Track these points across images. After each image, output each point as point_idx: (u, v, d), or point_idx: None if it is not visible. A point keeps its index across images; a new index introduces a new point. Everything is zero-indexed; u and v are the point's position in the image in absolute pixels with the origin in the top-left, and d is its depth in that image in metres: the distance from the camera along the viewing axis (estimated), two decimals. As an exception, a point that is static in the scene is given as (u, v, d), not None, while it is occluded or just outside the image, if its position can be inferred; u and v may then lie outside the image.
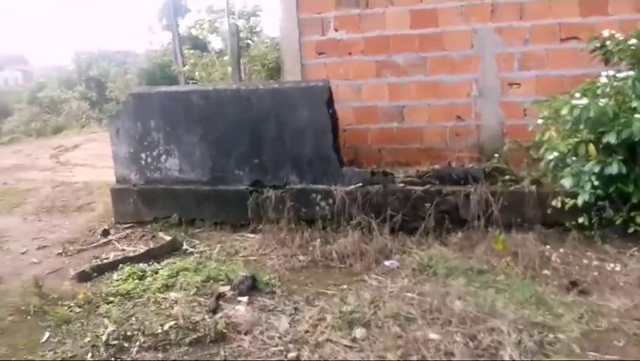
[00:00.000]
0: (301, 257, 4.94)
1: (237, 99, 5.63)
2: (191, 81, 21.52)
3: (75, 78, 35.34)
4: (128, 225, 6.03)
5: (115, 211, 6.11)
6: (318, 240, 5.12)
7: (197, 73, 12.46)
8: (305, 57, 6.39)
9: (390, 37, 6.16)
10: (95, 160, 11.77)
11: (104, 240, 5.65)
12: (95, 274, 4.63)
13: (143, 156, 5.99)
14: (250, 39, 10.98)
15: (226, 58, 11.97)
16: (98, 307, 4.03)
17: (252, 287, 4.22)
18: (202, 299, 4.10)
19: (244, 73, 11.60)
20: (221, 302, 4.05)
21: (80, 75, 35.81)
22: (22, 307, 4.03)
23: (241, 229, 5.70)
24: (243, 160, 5.74)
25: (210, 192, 5.82)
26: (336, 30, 6.30)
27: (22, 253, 5.34)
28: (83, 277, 4.61)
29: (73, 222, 6.22)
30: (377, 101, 6.33)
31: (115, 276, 4.61)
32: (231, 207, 5.77)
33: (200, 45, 25.10)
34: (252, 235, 5.57)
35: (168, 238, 5.55)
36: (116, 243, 5.56)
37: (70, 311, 3.97)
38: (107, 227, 6.00)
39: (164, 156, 5.94)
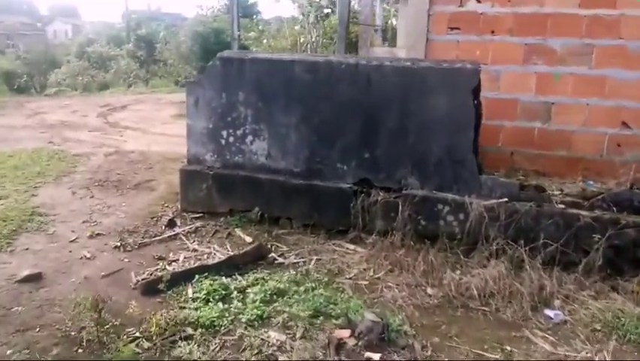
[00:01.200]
0: (429, 290, 3.73)
1: (353, 76, 4.39)
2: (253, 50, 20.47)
3: (124, 36, 34.72)
4: (197, 215, 4.90)
5: (182, 196, 4.99)
6: (448, 268, 3.91)
7: (264, 41, 11.27)
8: (433, 31, 5.07)
9: (549, 16, 4.79)
10: (145, 124, 10.76)
11: (170, 232, 4.54)
12: (165, 286, 3.50)
13: (225, 134, 4.83)
14: (330, 8, 9.65)
15: (297, 27, 10.75)
16: (173, 343, 2.90)
17: (381, 337, 3.04)
18: (314, 346, 2.94)
19: (317, 46, 10.36)
20: (343, 358, 2.88)
21: (129, 34, 35.16)
22: (73, 334, 2.92)
23: (338, 237, 4.53)
24: (350, 152, 4.53)
25: (303, 187, 4.64)
26: (478, 1, 4.96)
27: (71, 242, 4.25)
28: (149, 289, 3.50)
29: (130, 204, 5.12)
30: (518, 94, 4.99)
31: (190, 291, 3.49)
32: (328, 208, 4.59)
33: (248, 13, 23.72)
34: (352, 247, 4.39)
35: (248, 240, 4.42)
36: (184, 238, 4.44)
37: (137, 346, 2.85)
38: (172, 215, 4.89)
39: (250, 137, 4.76)
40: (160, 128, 10.34)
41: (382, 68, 4.33)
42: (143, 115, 12.38)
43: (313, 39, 10.03)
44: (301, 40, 10.45)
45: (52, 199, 5.14)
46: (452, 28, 5.08)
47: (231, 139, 4.82)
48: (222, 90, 4.74)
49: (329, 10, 9.65)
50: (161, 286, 3.47)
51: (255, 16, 23.21)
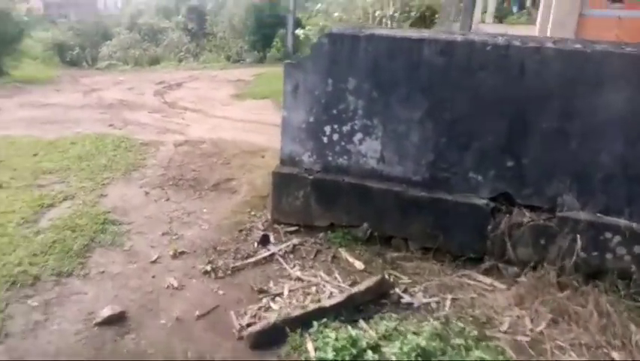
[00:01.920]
0: (615, 355, 2.82)
1: (502, 61, 3.43)
2: (308, 27, 19.43)
3: (173, 7, 34.13)
4: (291, 228, 4.10)
5: (274, 205, 4.18)
6: (631, 323, 2.99)
7: (335, 14, 10.27)
8: (588, 4, 4.03)
9: None
10: (204, 105, 10.04)
11: (264, 252, 3.76)
12: (276, 337, 2.73)
13: (328, 130, 3.97)
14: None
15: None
16: None
17: None
18: None
19: (395, 21, 9.33)
20: None
21: (178, 4, 34.54)
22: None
23: (468, 266, 3.65)
24: (488, 158, 3.61)
25: (425, 200, 3.75)
26: (655, -36, 3.89)
27: (153, 262, 3.52)
28: (260, 340, 2.73)
29: (212, 211, 4.36)
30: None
31: (310, 347, 2.69)
32: (456, 228, 3.70)
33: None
34: (489, 281, 3.51)
35: (359, 265, 3.62)
36: (281, 260, 3.65)
37: None
38: (262, 227, 4.11)
39: (359, 135, 3.89)
40: (221, 110, 9.60)
41: (542, 52, 3.34)
42: (200, 94, 11.67)
43: (390, 13, 9.01)
44: (376, 14, 9.44)
45: (123, 201, 4.43)
46: (614, 1, 4.01)
47: (335, 137, 3.96)
48: (329, 75, 3.86)
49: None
50: (273, 336, 2.70)
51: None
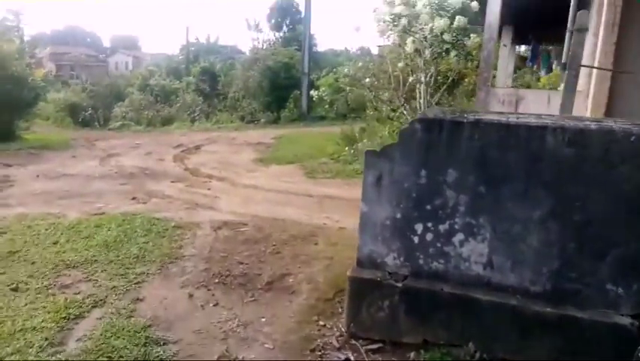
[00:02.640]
0: None
1: (652, 151, 2.76)
2: (323, 89, 19.17)
3: (182, 69, 34.41)
4: (374, 345, 3.31)
5: (352, 315, 3.40)
6: None
7: (367, 79, 9.80)
8: None
9: None
10: (228, 172, 9.42)
11: (350, 383, 2.95)
12: None
13: (420, 228, 3.25)
14: (457, 42, 8.07)
15: (400, 64, 9.24)
16: None
17: None
18: None
19: (429, 87, 8.83)
20: None
21: (188, 66, 34.87)
22: None
23: (609, 401, 2.84)
24: (631, 267, 2.87)
25: (550, 317, 2.98)
26: None
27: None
28: None
29: (272, 320, 3.57)
30: None
31: None
32: (591, 353, 2.92)
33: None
34: None
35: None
36: (372, 394, 2.84)
37: None
38: (337, 343, 3.32)
39: (459, 235, 3.17)
40: (247, 177, 8.96)
41: None
42: (221, 158, 11.11)
43: (426, 79, 8.51)
44: (410, 80, 8.95)
45: (165, 308, 3.65)
46: None
47: (429, 236, 3.24)
48: (422, 166, 3.18)
49: (449, 45, 8.13)
50: None
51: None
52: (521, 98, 8.80)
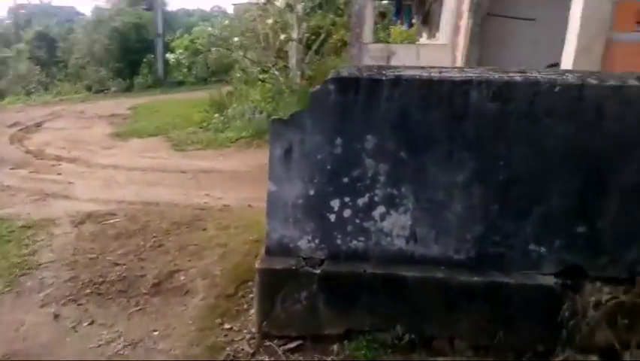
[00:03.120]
0: None
1: (573, 104, 2.60)
2: (179, 51, 17.66)
3: (12, 35, 29.75)
4: (292, 343, 2.88)
5: (263, 313, 2.91)
6: None
7: (235, 38, 8.99)
8: (617, 28, 3.41)
9: None
10: (81, 151, 8.22)
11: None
12: None
13: (337, 204, 2.83)
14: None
15: (269, 21, 8.63)
16: None
17: None
18: None
19: (303, 45, 8.38)
20: None
21: (18, 31, 30.25)
22: None
23: (538, 362, 2.77)
24: (554, 225, 2.76)
25: (475, 285, 2.79)
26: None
27: None
28: None
29: (167, 331, 2.94)
30: None
31: None
32: (518, 317, 2.80)
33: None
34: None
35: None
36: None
37: None
38: (249, 346, 2.83)
39: (380, 208, 2.81)
40: (104, 156, 7.86)
41: (626, 92, 2.58)
42: (70, 136, 9.67)
43: (299, 36, 8.03)
44: (282, 38, 8.39)
45: (22, 338, 2.82)
46: None
47: (347, 213, 2.84)
48: (338, 133, 2.73)
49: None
50: None
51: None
52: (393, 53, 8.76)
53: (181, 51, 22.38)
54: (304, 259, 2.90)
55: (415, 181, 2.76)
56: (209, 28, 10.91)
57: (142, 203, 5.21)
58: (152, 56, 18.60)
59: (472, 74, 2.66)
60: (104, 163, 7.34)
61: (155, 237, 4.07)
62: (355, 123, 2.74)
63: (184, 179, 6.32)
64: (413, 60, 8.64)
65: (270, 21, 8.73)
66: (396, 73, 2.73)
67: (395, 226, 2.82)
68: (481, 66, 7.11)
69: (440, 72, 2.68)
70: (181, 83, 18.15)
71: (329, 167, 2.78)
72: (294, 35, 8.16)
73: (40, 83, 18.39)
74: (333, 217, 2.85)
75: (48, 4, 36.26)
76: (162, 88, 17.08)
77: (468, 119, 2.64)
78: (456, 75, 2.65)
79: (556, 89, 2.58)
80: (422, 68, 2.83)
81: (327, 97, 2.69)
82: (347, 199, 2.82)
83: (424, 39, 12.09)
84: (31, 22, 29.32)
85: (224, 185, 5.92)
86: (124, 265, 3.62)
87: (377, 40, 10.97)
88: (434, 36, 10.78)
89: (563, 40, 3.97)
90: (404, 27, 12.21)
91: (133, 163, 7.26)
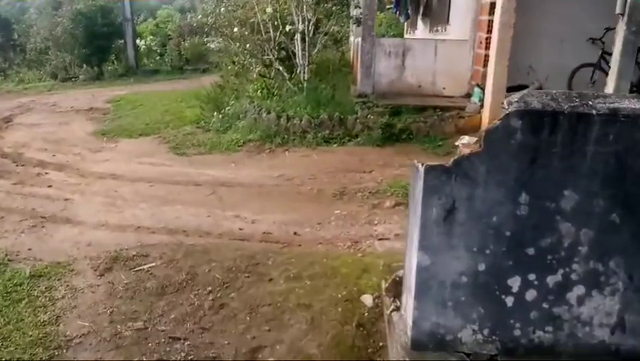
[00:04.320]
0: None
1: None
2: (150, 37, 16.15)
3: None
4: None
5: None
6: None
7: (235, 29, 7.88)
8: None
9: None
10: (67, 155, 7.13)
11: None
12: None
13: (516, 284, 2.02)
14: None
15: (269, 10, 7.62)
16: None
17: None
18: None
19: (301, 44, 7.42)
20: None
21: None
22: None
23: None
24: None
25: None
26: None
27: None
28: None
29: None
30: None
31: None
32: None
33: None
34: None
35: None
36: None
37: None
38: None
39: (578, 289, 2.03)
40: (96, 161, 6.76)
41: None
42: (48, 135, 8.41)
43: (308, 28, 7.05)
44: (288, 29, 7.40)
45: None
46: None
47: (531, 295, 2.04)
48: (522, 187, 1.92)
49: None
50: None
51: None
52: (408, 48, 7.97)
53: (152, 37, 20.85)
54: (467, 355, 2.10)
55: (631, 253, 1.98)
56: (199, 16, 9.70)
57: (167, 232, 4.25)
58: (121, 41, 17.05)
59: None
60: (99, 171, 6.24)
61: (210, 292, 3.13)
62: (549, 174, 1.93)
63: (201, 194, 5.35)
64: (431, 57, 7.89)
65: (269, 10, 7.71)
66: (608, 105, 1.93)
67: (597, 311, 2.05)
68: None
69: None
70: (155, 72, 16.71)
71: (508, 233, 1.97)
72: (300, 27, 7.21)
73: (2, 71, 16.56)
74: (510, 300, 2.05)
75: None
76: (136, 77, 15.63)
77: None
78: None
79: None
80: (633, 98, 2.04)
81: (509, 137, 1.87)
82: (532, 277, 2.02)
83: (419, 32, 11.33)
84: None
85: (253, 203, 5.01)
86: (185, 340, 2.69)
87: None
88: (438, 30, 10.03)
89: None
90: (401, 19, 11.39)
91: (133, 171, 6.20)
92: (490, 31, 7.12)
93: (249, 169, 6.26)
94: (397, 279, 2.68)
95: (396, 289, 2.65)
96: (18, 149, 7.44)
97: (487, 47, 7.19)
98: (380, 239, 4.04)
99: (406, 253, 2.29)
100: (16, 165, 6.57)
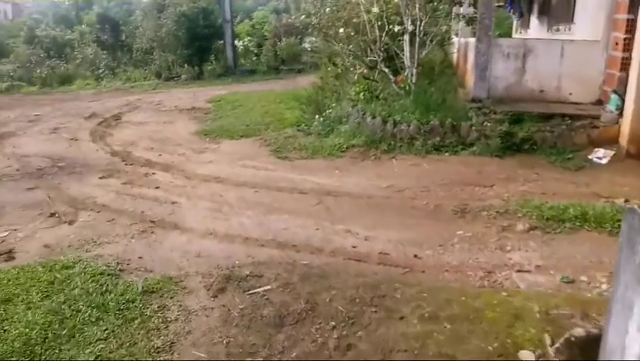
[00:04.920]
0: None
1: None
2: (247, 38, 16.32)
3: (73, 16, 29.28)
4: None
5: None
6: None
7: (341, 30, 7.56)
8: None
9: None
10: (173, 155, 7.07)
11: None
12: None
13: None
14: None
15: (374, 10, 7.17)
16: None
17: None
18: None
19: (411, 45, 6.87)
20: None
21: (78, 13, 29.76)
22: None
23: None
24: None
25: None
26: None
27: None
28: None
29: None
30: None
31: None
32: None
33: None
34: None
35: None
36: None
37: None
38: None
39: None
40: (199, 163, 6.66)
41: None
42: (154, 133, 8.54)
43: (419, 27, 6.52)
44: (397, 30, 6.92)
45: None
46: None
47: None
48: None
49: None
50: None
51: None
52: (530, 50, 7.18)
53: (249, 38, 21.19)
54: None
55: None
56: (302, 16, 9.49)
57: (276, 245, 3.96)
58: (221, 42, 17.42)
59: None
60: (203, 173, 6.13)
61: (334, 328, 2.74)
62: None
63: (307, 203, 5.02)
64: (556, 59, 7.05)
65: (375, 10, 7.25)
66: None
67: None
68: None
69: None
70: (252, 72, 16.90)
71: None
72: (410, 27, 6.69)
73: (108, 67, 17.51)
74: None
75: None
76: (234, 76, 15.88)
77: None
78: None
79: None
80: None
81: None
82: None
83: (533, 31, 10.35)
84: (91, 4, 28.71)
85: (363, 217, 4.59)
86: None
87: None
88: (559, 29, 9.05)
89: None
90: (515, 18, 10.49)
91: (237, 175, 6.02)
92: (629, 31, 6.23)
93: (355, 177, 5.84)
94: (573, 339, 2.13)
95: (570, 352, 2.11)
96: (126, 147, 7.57)
97: (625, 49, 6.31)
98: (518, 271, 3.46)
99: (608, 322, 1.75)
100: (125, 164, 6.64)
